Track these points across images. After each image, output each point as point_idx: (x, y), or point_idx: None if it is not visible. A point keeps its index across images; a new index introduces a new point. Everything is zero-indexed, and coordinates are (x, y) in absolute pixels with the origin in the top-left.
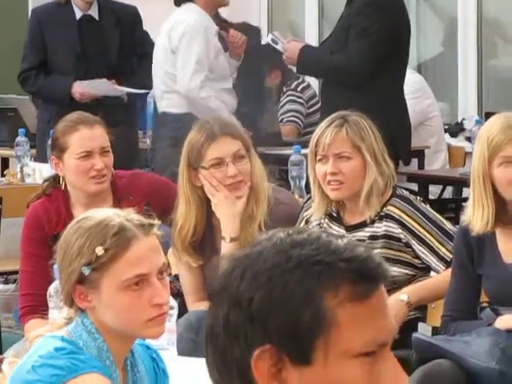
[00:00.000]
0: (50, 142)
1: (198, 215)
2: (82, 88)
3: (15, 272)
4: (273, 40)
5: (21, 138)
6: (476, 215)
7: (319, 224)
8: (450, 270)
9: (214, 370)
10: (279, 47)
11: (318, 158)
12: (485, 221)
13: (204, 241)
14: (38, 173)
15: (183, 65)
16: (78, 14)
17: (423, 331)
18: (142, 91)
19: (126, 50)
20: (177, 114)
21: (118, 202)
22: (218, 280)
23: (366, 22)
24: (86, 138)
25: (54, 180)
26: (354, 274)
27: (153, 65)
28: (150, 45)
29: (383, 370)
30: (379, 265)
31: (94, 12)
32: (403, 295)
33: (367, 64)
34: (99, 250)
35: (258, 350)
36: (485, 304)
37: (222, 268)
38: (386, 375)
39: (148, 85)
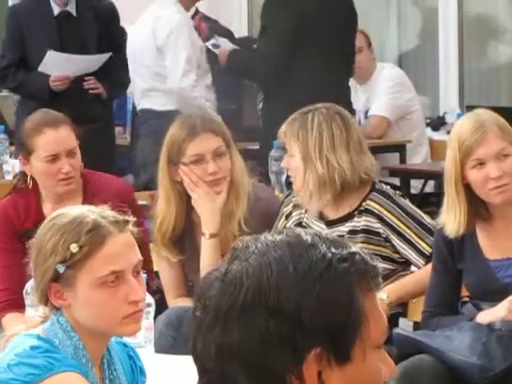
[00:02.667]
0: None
1: (177, 211)
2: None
3: None
4: (213, 45)
5: (0, 135)
6: (449, 219)
7: (299, 219)
8: (429, 265)
9: None
10: (217, 51)
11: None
12: (456, 225)
13: (184, 236)
14: (18, 169)
15: (173, 65)
16: (56, 10)
17: (404, 326)
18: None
19: (104, 45)
20: (160, 112)
21: (88, 199)
22: (237, 295)
23: (263, 20)
24: (52, 141)
25: (24, 175)
26: (366, 265)
27: (131, 62)
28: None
29: (384, 359)
30: (371, 256)
31: (71, 8)
32: (383, 294)
33: (269, 61)
34: (74, 247)
35: (311, 355)
36: (466, 299)
37: (228, 281)
38: (388, 366)
39: (125, 80)
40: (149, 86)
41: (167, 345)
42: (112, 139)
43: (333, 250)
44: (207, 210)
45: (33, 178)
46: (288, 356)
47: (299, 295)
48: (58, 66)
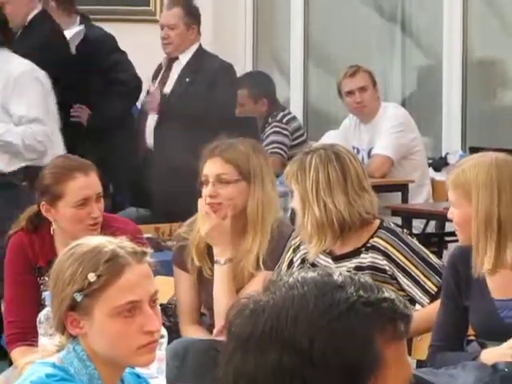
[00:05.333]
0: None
1: None
2: None
3: None
4: None
5: None
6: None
7: (307, 253)
8: (434, 303)
9: None
10: None
11: None
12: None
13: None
14: None
15: None
16: None
17: None
18: None
19: None
20: None
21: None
22: (256, 325)
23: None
24: (83, 186)
25: (39, 218)
26: (395, 313)
27: None
28: None
29: None
30: (405, 304)
31: None
32: None
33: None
34: (91, 277)
35: None
36: (472, 337)
37: (252, 310)
38: None
39: None
40: None
41: (171, 375)
42: None
43: (361, 293)
44: (216, 237)
45: (44, 221)
46: None
47: (313, 333)
48: None
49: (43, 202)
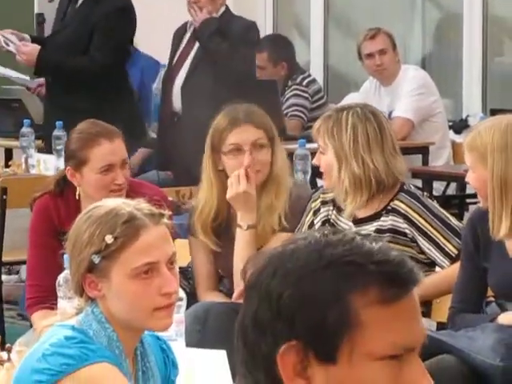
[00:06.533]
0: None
1: (219, 198)
2: None
3: (19, 262)
4: (5, 42)
5: (26, 129)
6: None
7: (327, 215)
8: (454, 265)
9: (243, 366)
10: (11, 48)
11: None
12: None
13: (222, 229)
14: (43, 164)
15: None
16: None
17: (427, 326)
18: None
19: None
20: None
21: None
22: (254, 275)
23: (111, 24)
24: (108, 152)
25: (65, 182)
26: (384, 277)
27: None
28: None
29: (408, 374)
30: (411, 270)
31: None
32: None
33: (111, 66)
34: (109, 238)
35: (285, 346)
36: (491, 298)
37: (258, 265)
38: (411, 380)
39: None
40: None
41: (193, 339)
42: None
43: (350, 252)
44: (242, 204)
45: (69, 185)
46: (270, 343)
47: (285, 286)
48: None
49: (69, 167)
